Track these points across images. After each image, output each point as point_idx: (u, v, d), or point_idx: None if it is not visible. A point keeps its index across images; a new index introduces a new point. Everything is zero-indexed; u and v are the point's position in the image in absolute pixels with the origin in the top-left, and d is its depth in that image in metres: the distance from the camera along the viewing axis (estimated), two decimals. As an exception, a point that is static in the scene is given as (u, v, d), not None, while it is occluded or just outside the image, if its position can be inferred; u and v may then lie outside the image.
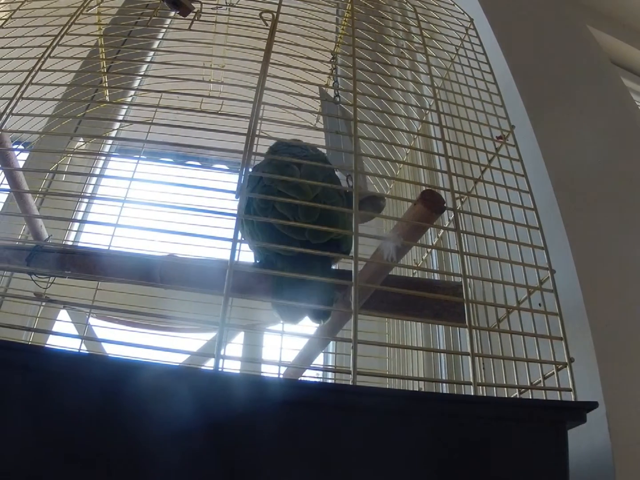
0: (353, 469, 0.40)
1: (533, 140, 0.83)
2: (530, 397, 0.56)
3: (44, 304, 1.11)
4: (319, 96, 1.00)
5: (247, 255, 1.00)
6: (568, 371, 0.51)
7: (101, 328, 1.18)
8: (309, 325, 1.12)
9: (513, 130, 0.71)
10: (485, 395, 0.58)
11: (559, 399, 0.51)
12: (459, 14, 0.88)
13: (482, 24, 1.00)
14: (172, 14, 0.81)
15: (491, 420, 0.44)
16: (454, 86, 0.79)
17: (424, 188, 0.60)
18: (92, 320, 1.18)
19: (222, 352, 0.43)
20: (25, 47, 0.74)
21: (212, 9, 0.85)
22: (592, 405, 0.45)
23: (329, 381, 1.15)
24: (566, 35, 1.13)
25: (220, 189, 0.73)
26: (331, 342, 1.18)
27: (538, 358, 0.55)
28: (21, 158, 1.19)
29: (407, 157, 1.20)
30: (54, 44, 0.67)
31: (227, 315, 0.45)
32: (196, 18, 0.79)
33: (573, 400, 0.49)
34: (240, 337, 1.22)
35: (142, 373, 0.39)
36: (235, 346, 1.20)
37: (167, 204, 0.74)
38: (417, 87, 1.04)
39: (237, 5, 0.96)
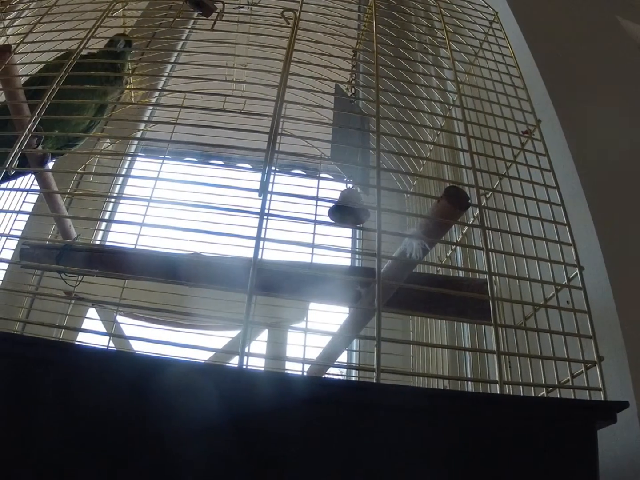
0: (377, 466, 0.40)
1: (560, 134, 0.81)
2: (559, 397, 0.55)
3: (73, 302, 1.14)
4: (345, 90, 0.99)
5: (271, 253, 1.01)
6: (597, 370, 0.50)
7: (128, 325, 1.20)
8: (332, 323, 1.12)
9: (539, 125, 0.70)
10: (511, 394, 0.57)
11: (588, 398, 0.50)
12: (483, 8, 0.87)
13: (507, 17, 0.98)
14: (195, 14, 0.82)
15: (518, 419, 0.43)
16: (478, 81, 0.78)
17: (448, 184, 0.59)
18: (120, 318, 1.20)
19: (246, 350, 0.43)
20: (54, 50, 0.76)
21: (234, 8, 0.86)
22: (623, 405, 0.44)
23: (353, 379, 1.14)
24: (594, 25, 1.10)
25: (243, 188, 0.73)
26: (355, 340, 1.18)
27: (566, 356, 0.54)
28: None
29: (430, 153, 1.19)
30: (81, 47, 0.68)
31: (251, 313, 0.45)
32: (219, 18, 0.80)
33: (603, 399, 0.48)
34: (264, 335, 1.23)
35: (168, 370, 0.40)
36: (259, 344, 1.21)
37: (192, 203, 0.75)
38: (441, 82, 1.03)
39: (259, 5, 0.97)
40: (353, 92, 1.07)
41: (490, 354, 0.79)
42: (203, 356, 1.00)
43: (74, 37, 0.73)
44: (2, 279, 1.14)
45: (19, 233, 1.14)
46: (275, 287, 0.69)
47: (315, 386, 0.44)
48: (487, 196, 0.70)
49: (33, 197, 1.19)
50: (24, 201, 1.15)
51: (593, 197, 0.74)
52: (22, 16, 1.16)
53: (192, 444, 0.38)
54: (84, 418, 0.39)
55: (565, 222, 0.60)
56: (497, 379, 0.46)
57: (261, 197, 0.52)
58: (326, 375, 0.97)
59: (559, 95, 0.87)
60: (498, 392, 0.46)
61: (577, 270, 0.56)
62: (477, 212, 0.57)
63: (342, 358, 1.18)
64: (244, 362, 0.43)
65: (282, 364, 1.13)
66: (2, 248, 1.11)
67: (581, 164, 0.78)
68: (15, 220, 1.14)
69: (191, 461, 0.38)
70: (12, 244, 1.13)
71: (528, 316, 0.64)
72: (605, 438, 0.45)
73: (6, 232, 1.10)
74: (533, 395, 0.59)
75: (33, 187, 0.99)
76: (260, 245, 0.49)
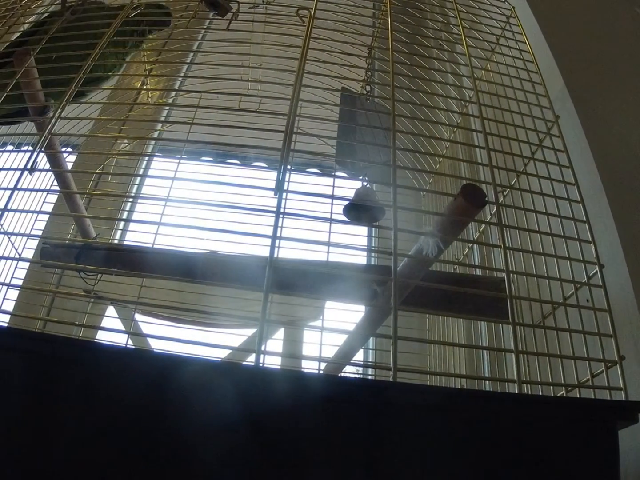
0: (393, 465, 0.40)
1: (579, 130, 0.80)
2: (578, 397, 0.54)
3: (92, 300, 1.16)
4: (356, 91, 0.99)
5: (287, 252, 1.01)
6: (618, 369, 0.49)
7: (146, 324, 1.22)
8: (348, 322, 1.12)
9: (558, 121, 0.69)
10: (530, 393, 0.56)
11: (609, 398, 0.50)
12: (500, 2, 0.86)
13: (524, 11, 0.97)
14: (211, 14, 0.82)
15: (537, 419, 0.43)
16: (495, 77, 0.78)
17: (464, 182, 0.59)
18: (138, 316, 1.21)
19: (263, 348, 0.44)
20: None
21: (249, 8, 0.86)
22: (645, 405, 0.43)
23: (369, 377, 1.14)
24: (613, 19, 1.08)
25: (259, 187, 0.73)
26: (371, 339, 1.18)
27: (586, 356, 0.53)
28: (69, 160, 1.24)
29: (446, 150, 1.18)
30: (98, 50, 0.69)
31: (268, 312, 0.46)
32: (234, 18, 0.80)
33: (624, 399, 0.47)
34: (280, 333, 1.24)
35: (186, 367, 0.40)
36: (275, 342, 1.21)
37: (208, 202, 0.75)
38: (457, 79, 1.02)
39: (273, 4, 0.97)
40: (368, 90, 1.07)
41: (508, 352, 0.78)
42: (220, 354, 1.01)
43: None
44: (23, 277, 1.16)
45: (40, 233, 1.16)
46: (292, 286, 0.70)
47: (331, 385, 0.44)
48: (505, 193, 0.69)
49: (53, 197, 1.21)
50: (44, 201, 1.17)
51: (613, 193, 0.73)
52: (41, 19, 1.18)
53: (209, 441, 0.39)
54: (104, 415, 0.39)
55: (585, 219, 0.59)
56: (516, 378, 0.46)
57: (277, 196, 0.52)
58: (342, 374, 0.96)
59: (578, 90, 0.86)
60: (516, 392, 0.46)
61: (597, 268, 0.55)
62: (495, 209, 0.57)
63: (359, 357, 1.18)
64: (261, 361, 0.43)
65: (298, 363, 1.13)
66: (24, 247, 1.13)
67: (601, 160, 0.77)
68: (35, 220, 1.16)
69: (209, 458, 0.39)
70: (33, 243, 1.15)
71: (547, 315, 0.64)
72: (626, 439, 0.44)
73: (27, 231, 1.12)
74: (552, 395, 0.58)
75: (53, 188, 1.00)
76: (276, 244, 0.49)
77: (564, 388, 0.56)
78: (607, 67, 0.95)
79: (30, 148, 0.60)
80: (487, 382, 0.97)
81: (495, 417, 0.43)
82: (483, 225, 0.94)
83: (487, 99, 0.74)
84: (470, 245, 1.03)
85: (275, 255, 0.48)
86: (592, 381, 0.53)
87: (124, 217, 1.39)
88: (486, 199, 0.55)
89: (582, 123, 0.81)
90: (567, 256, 0.58)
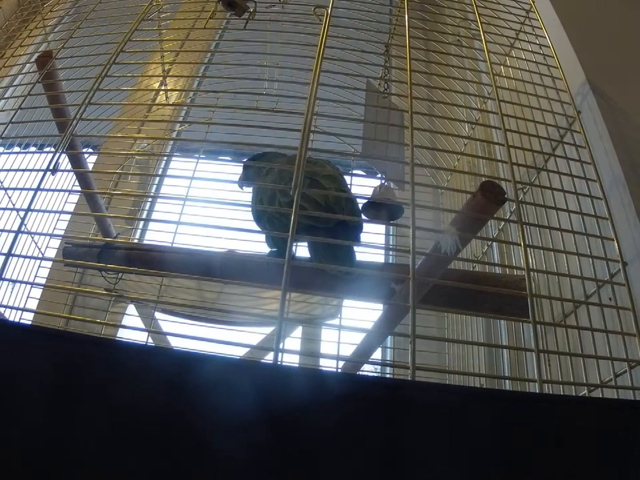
0: (411, 465, 0.40)
1: (601, 125, 0.79)
2: (601, 396, 0.53)
3: (113, 299, 1.17)
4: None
5: (304, 250, 1.01)
6: (642, 369, 0.49)
7: (166, 322, 1.23)
8: (366, 320, 1.12)
9: (579, 116, 0.67)
10: (551, 393, 0.55)
11: (633, 398, 0.49)
12: (519, -3, 0.85)
13: (544, 5, 0.95)
14: (228, 14, 0.83)
15: (558, 419, 0.42)
16: (514, 72, 0.77)
17: (483, 179, 0.58)
18: (158, 315, 1.22)
19: (281, 346, 0.44)
20: (92, 55, 0.78)
21: (266, 7, 0.86)
22: (670, 406, 0.42)
23: (387, 376, 1.14)
24: (636, 12, 1.06)
25: (276, 186, 0.74)
26: (389, 337, 1.17)
27: (609, 355, 0.53)
28: (90, 160, 1.26)
29: (465, 147, 1.17)
30: (118, 50, 0.70)
31: (286, 310, 0.46)
32: (251, 17, 0.80)
33: (648, 400, 0.47)
34: (298, 332, 1.24)
35: (205, 365, 0.41)
36: (293, 340, 1.22)
37: (226, 201, 0.76)
38: (475, 75, 1.01)
39: (290, 2, 0.97)
40: (386, 87, 1.06)
41: (529, 352, 0.77)
42: (238, 352, 1.02)
43: (111, 41, 0.75)
44: (46, 276, 1.18)
45: (62, 232, 1.19)
46: (310, 284, 0.70)
47: (349, 383, 0.44)
48: (525, 190, 0.68)
49: (74, 198, 1.23)
50: (66, 201, 1.19)
51: (637, 190, 0.72)
52: (62, 22, 1.20)
53: (228, 438, 0.39)
54: (124, 412, 0.40)
55: (607, 215, 0.58)
56: (536, 377, 0.45)
57: (294, 195, 0.52)
58: (360, 373, 0.96)
59: (599, 84, 0.84)
60: (537, 392, 0.45)
61: (620, 266, 0.54)
62: (514, 206, 0.56)
63: (377, 355, 1.18)
64: (279, 358, 0.43)
65: (316, 361, 1.13)
66: (47, 247, 1.16)
67: (623, 156, 0.75)
68: (58, 220, 1.19)
69: (227, 455, 0.39)
70: (56, 242, 1.17)
71: (568, 313, 0.63)
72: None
73: (50, 231, 1.14)
74: (574, 394, 0.58)
75: (74, 188, 1.02)
76: (294, 243, 0.49)
77: (586, 388, 0.55)
78: (630, 61, 0.93)
79: (52, 149, 0.61)
80: (507, 381, 0.95)
81: (516, 417, 0.42)
82: (502, 223, 0.93)
83: (506, 95, 0.73)
84: (489, 243, 1.02)
85: (293, 254, 0.49)
86: (615, 381, 0.52)
87: (144, 216, 1.41)
88: (505, 196, 0.54)
89: (604, 118, 0.79)
90: (589, 254, 0.57)
